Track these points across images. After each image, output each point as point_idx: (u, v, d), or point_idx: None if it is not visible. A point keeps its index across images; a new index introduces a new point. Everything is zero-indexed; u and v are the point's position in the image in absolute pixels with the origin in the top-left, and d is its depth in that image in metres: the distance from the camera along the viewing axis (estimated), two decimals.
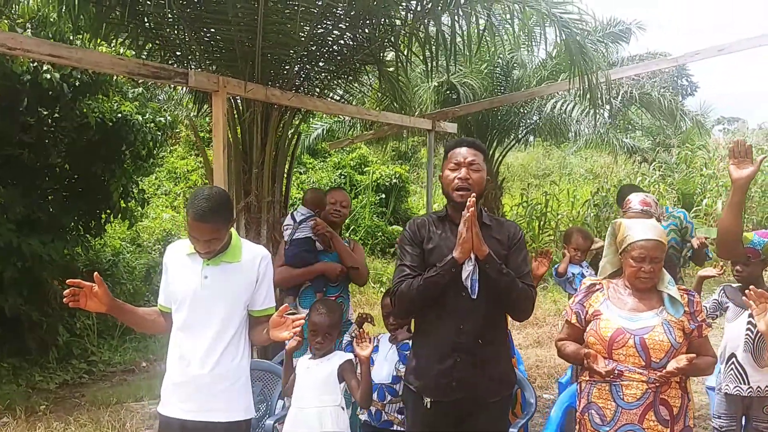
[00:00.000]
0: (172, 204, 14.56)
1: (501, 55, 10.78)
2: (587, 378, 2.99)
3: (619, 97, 11.43)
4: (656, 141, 23.13)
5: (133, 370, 8.05)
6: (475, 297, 2.86)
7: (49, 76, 6.52)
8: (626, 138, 17.31)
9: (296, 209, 4.69)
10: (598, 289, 3.07)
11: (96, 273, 2.85)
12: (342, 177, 16.70)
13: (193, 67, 5.63)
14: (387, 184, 16.54)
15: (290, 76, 5.67)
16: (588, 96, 5.65)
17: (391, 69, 6.46)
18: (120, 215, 8.46)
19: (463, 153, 3.03)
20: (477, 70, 10.54)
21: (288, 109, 5.69)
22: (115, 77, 7.48)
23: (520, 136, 13.08)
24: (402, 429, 3.49)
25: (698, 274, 4.61)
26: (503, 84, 11.00)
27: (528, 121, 12.44)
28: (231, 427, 2.93)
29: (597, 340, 2.92)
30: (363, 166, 17.38)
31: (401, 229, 14.52)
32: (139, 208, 9.19)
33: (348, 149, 17.67)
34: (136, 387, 7.12)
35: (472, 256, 2.85)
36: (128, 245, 10.94)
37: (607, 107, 11.90)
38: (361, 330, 3.39)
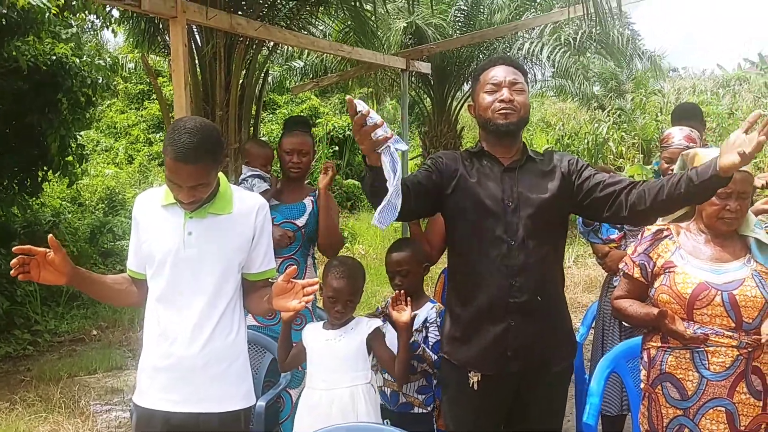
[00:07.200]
0: (113, 161, 13.65)
1: None
2: (658, 344, 2.46)
3: (578, 38, 11.00)
4: (608, 87, 22.85)
5: (82, 339, 7.34)
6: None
7: None
8: (581, 85, 16.94)
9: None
10: (666, 236, 2.51)
11: (51, 236, 2.17)
12: None
13: None
14: (340, 136, 15.88)
15: (255, 2, 4.97)
16: (597, 21, 5.11)
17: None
18: (59, 172, 7.69)
19: (500, 72, 2.43)
20: (443, 11, 9.97)
21: (253, 42, 5.01)
22: (46, 14, 6.59)
23: None
24: (423, 411, 2.93)
25: (757, 206, 3.97)
26: (469, 25, 10.42)
27: None
28: (227, 419, 2.33)
29: (672, 298, 2.39)
30: (314, 118, 16.63)
31: (358, 183, 13.91)
32: (78, 165, 8.40)
33: (298, 100, 16.89)
34: (87, 358, 6.46)
35: None
36: (69, 205, 10.13)
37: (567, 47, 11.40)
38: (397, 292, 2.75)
